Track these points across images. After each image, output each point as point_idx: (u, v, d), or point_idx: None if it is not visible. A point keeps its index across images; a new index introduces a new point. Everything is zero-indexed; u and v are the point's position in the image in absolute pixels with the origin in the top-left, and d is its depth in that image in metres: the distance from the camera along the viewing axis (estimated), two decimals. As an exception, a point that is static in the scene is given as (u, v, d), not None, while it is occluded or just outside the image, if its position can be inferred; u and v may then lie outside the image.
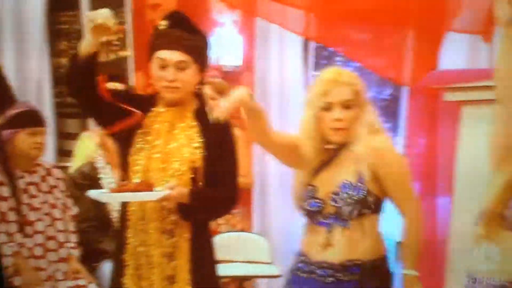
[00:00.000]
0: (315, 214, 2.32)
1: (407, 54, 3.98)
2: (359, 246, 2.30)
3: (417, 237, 2.37)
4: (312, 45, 4.83)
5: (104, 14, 2.27)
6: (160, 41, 2.43)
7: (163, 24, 2.44)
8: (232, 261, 3.88)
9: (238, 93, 2.14)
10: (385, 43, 4.14)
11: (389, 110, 5.04)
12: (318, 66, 4.86)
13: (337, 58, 4.87)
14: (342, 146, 2.33)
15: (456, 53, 4.13)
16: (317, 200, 2.31)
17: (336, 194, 2.27)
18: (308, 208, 2.32)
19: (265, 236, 3.99)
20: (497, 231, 2.23)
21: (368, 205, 2.29)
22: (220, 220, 3.80)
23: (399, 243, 4.12)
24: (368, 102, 2.35)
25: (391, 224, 4.20)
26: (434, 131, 3.52)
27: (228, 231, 3.87)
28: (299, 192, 2.38)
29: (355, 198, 2.26)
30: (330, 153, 2.35)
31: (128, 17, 4.71)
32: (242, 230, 4.05)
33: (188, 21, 2.49)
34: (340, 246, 2.29)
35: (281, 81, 4.67)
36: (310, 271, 2.33)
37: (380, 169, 2.28)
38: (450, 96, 3.42)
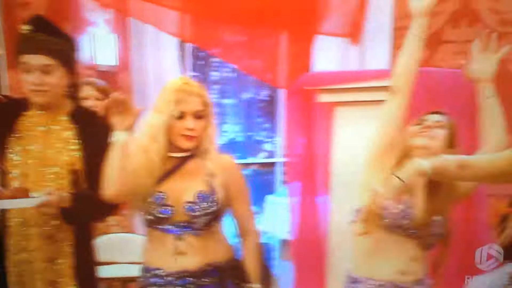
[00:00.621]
0: (164, 221, 2.31)
1: (281, 56, 4.07)
2: (212, 250, 2.35)
3: (258, 252, 2.47)
4: (189, 45, 4.85)
5: None
6: (23, 45, 2.39)
7: (25, 28, 2.39)
8: (115, 263, 3.86)
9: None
10: (259, 46, 4.18)
11: (268, 111, 5.16)
12: (195, 66, 4.88)
13: (214, 59, 4.92)
14: (188, 157, 2.37)
15: (328, 55, 4.30)
16: (168, 207, 2.29)
17: (193, 203, 2.29)
18: (158, 214, 2.29)
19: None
20: (375, 229, 2.31)
21: (219, 216, 2.36)
22: (112, 221, 3.78)
23: (282, 241, 4.26)
24: (214, 115, 2.41)
25: (273, 224, 4.32)
26: (311, 132, 3.60)
27: (119, 232, 3.85)
28: (143, 199, 2.33)
29: (211, 209, 2.30)
30: (176, 162, 2.37)
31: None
32: (128, 231, 4.04)
33: (51, 25, 2.45)
34: (195, 252, 2.31)
35: (159, 81, 4.60)
36: (167, 283, 2.31)
37: (230, 186, 2.37)
38: (323, 98, 3.45)
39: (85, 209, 2.42)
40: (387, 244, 2.30)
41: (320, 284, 3.43)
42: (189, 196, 2.30)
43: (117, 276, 3.80)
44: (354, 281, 2.36)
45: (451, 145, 2.37)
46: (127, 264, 3.88)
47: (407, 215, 2.26)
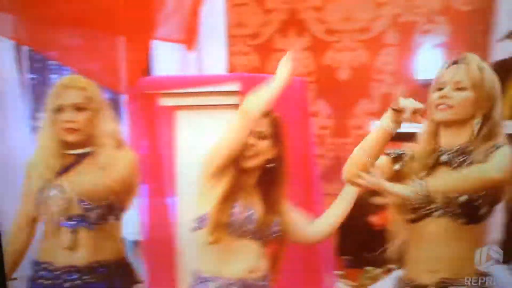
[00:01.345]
0: (59, 214, 2.40)
1: (119, 60, 4.13)
2: (103, 247, 2.45)
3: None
4: (25, 47, 4.75)
5: None
6: None
7: None
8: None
9: None
10: (96, 49, 4.15)
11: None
12: (33, 69, 4.79)
13: (52, 62, 4.85)
14: (88, 153, 2.47)
15: (167, 59, 4.44)
16: (63, 200, 2.39)
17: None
18: (53, 207, 2.39)
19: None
20: (225, 238, 2.36)
21: (114, 210, 2.48)
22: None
23: (133, 242, 4.31)
24: (107, 110, 2.51)
25: (128, 225, 4.34)
26: (154, 135, 3.70)
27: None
28: (39, 191, 2.42)
29: (103, 203, 2.42)
30: (73, 158, 2.47)
31: None
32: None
33: None
34: (86, 248, 2.41)
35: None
36: (55, 278, 2.40)
37: (123, 180, 2.51)
38: (164, 101, 3.53)
39: None
40: (235, 246, 2.38)
41: (172, 283, 3.49)
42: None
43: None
44: (204, 280, 2.40)
45: (276, 143, 2.47)
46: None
47: (252, 220, 2.39)
